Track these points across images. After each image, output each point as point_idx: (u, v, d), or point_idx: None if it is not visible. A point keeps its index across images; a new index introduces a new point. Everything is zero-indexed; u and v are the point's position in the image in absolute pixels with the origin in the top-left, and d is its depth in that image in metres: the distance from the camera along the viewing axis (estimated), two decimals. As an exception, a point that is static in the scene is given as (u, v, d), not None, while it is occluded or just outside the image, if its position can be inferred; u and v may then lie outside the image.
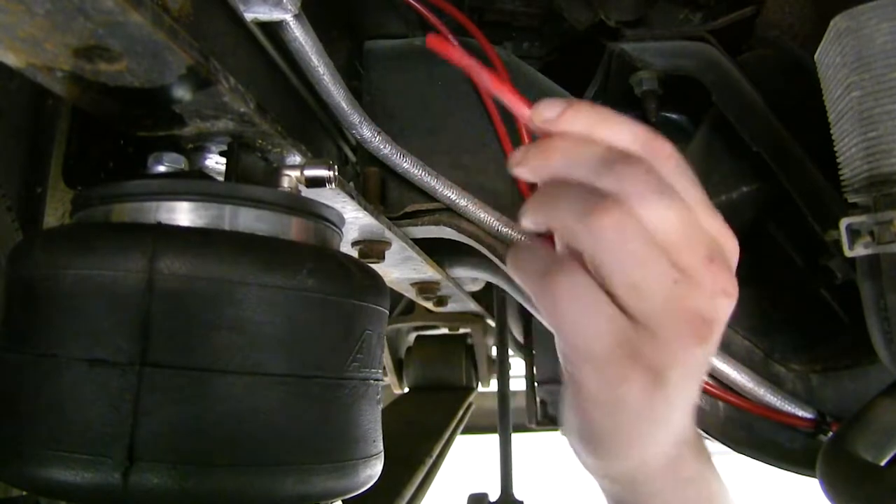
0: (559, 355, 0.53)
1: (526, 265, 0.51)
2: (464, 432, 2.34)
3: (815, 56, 0.82)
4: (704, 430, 1.06)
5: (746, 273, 1.09)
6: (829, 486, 0.78)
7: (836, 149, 0.79)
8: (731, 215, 1.04)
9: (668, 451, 0.54)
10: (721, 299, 0.51)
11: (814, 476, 0.85)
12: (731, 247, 0.54)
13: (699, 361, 0.51)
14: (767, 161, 0.99)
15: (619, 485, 0.58)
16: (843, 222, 0.75)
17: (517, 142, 1.04)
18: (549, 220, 0.50)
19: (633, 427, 0.51)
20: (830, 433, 1.02)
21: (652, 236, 0.47)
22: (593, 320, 0.46)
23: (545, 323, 0.49)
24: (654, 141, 0.50)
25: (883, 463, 0.83)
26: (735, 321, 1.10)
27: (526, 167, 0.53)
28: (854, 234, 0.74)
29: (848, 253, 0.75)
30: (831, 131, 0.80)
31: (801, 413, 1.03)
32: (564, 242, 0.51)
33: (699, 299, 0.49)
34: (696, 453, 0.58)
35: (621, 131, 0.50)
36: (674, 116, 1.14)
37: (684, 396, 0.52)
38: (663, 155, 0.50)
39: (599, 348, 0.47)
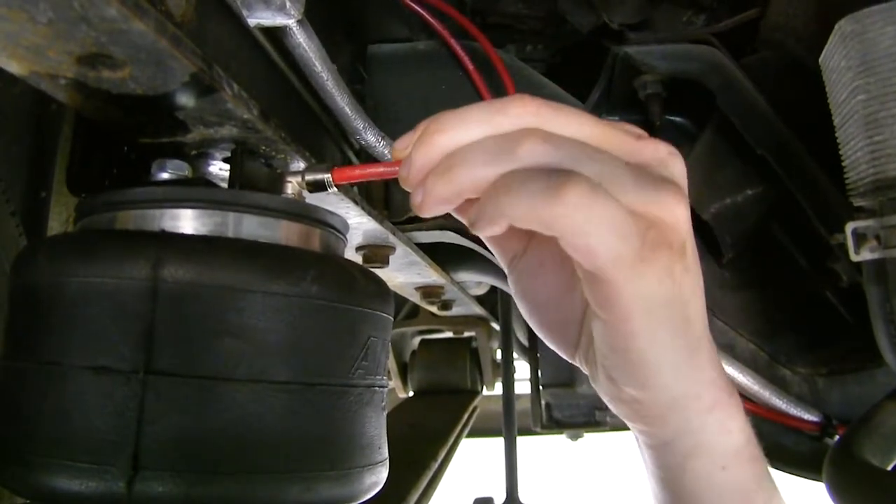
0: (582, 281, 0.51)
1: (523, 187, 0.46)
2: (469, 436, 2.34)
3: (820, 59, 0.81)
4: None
5: (751, 276, 1.10)
6: (836, 490, 0.78)
7: (841, 152, 0.79)
8: (735, 218, 1.04)
9: (713, 375, 0.53)
10: (670, 160, 0.50)
11: (820, 480, 0.85)
12: (644, 134, 0.51)
13: (689, 226, 0.50)
14: (772, 164, 0.99)
15: (669, 428, 0.54)
16: (849, 226, 0.74)
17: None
18: (512, 218, 0.47)
19: (677, 326, 0.49)
20: (836, 436, 1.02)
21: (598, 174, 0.45)
22: (619, 217, 0.44)
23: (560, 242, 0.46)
24: (505, 105, 0.49)
25: (889, 467, 0.82)
26: (740, 324, 1.09)
27: (434, 201, 0.49)
28: (860, 237, 0.74)
29: (854, 257, 0.74)
30: (836, 134, 0.80)
31: (806, 416, 1.03)
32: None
33: (660, 169, 0.49)
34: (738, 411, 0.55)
35: (483, 117, 0.49)
36: (678, 119, 1.13)
37: (698, 279, 0.51)
38: (529, 110, 0.48)
39: (632, 244, 0.45)
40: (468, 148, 0.48)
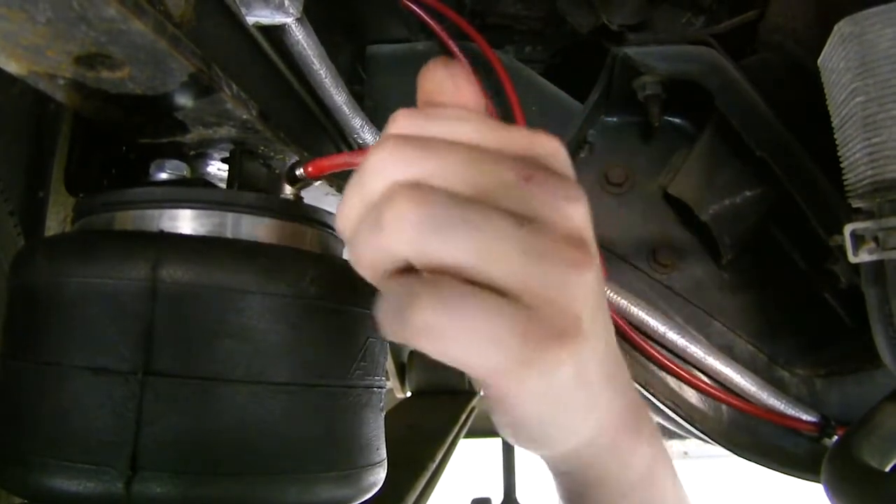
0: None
1: (382, 306, 0.40)
2: (467, 436, 2.34)
3: (819, 61, 0.81)
4: (708, 435, 1.05)
5: (750, 277, 1.10)
6: (835, 492, 0.78)
7: (839, 154, 0.79)
8: (734, 219, 1.04)
9: (611, 420, 0.50)
10: (564, 205, 0.40)
11: (818, 481, 0.85)
12: (546, 146, 0.43)
13: (593, 286, 0.42)
14: (771, 165, 0.98)
15: (568, 464, 0.54)
16: (848, 228, 0.74)
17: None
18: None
19: (572, 400, 0.45)
20: (835, 438, 1.02)
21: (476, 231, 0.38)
22: (485, 326, 0.37)
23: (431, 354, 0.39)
24: (366, 161, 0.42)
25: (888, 468, 0.82)
26: (739, 325, 1.09)
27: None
28: (858, 239, 0.74)
29: (852, 259, 0.74)
30: (835, 136, 0.79)
31: (805, 417, 1.03)
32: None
33: (552, 222, 0.40)
34: (638, 432, 0.54)
35: (353, 182, 0.42)
36: (677, 121, 1.13)
37: (600, 333, 0.45)
38: (388, 158, 0.41)
39: (508, 351, 0.38)
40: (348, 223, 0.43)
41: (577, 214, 0.41)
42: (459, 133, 0.42)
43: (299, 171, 0.63)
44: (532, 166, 0.41)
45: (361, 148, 0.93)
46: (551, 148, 0.43)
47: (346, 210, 0.43)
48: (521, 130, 0.43)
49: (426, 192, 0.39)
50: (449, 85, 0.46)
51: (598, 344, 0.45)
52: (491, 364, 0.38)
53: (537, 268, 0.39)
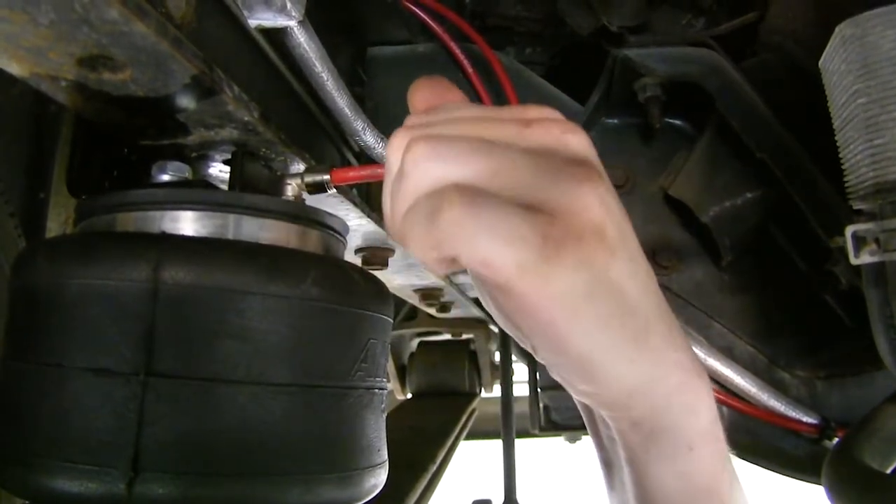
0: (493, 308, 0.50)
1: (412, 224, 0.44)
2: (467, 438, 2.34)
3: (820, 62, 0.81)
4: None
5: (751, 279, 1.10)
6: (835, 493, 0.78)
7: (841, 155, 0.79)
8: (734, 221, 1.04)
9: (673, 355, 0.49)
10: (563, 136, 0.46)
11: (819, 483, 0.85)
12: (536, 108, 0.48)
13: (609, 202, 0.45)
14: (771, 167, 0.99)
15: (634, 412, 0.51)
16: (849, 229, 0.74)
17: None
18: (420, 258, 0.45)
19: (612, 317, 0.45)
20: (835, 439, 1.02)
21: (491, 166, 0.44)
22: (507, 223, 0.41)
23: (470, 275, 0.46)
24: (390, 146, 0.49)
25: (889, 470, 0.82)
26: (739, 327, 1.09)
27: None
28: (860, 241, 0.74)
29: (854, 260, 0.74)
30: (836, 138, 0.80)
31: (805, 419, 1.03)
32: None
33: (555, 150, 0.46)
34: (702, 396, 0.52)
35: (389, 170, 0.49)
36: (677, 122, 1.14)
37: (636, 255, 0.47)
38: (407, 126, 0.49)
39: (531, 247, 0.41)
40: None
41: (576, 141, 0.46)
42: (462, 112, 0.49)
43: (325, 178, 0.63)
44: (528, 120, 0.47)
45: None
46: (543, 109, 0.48)
47: (384, 205, 0.50)
48: (512, 105, 0.47)
49: (437, 136, 0.45)
50: (438, 89, 0.53)
51: (636, 267, 0.47)
52: (515, 259, 0.41)
53: (548, 181, 0.43)
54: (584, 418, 0.60)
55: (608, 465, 0.60)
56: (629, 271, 0.46)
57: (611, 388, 0.49)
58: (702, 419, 0.52)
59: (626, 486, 0.57)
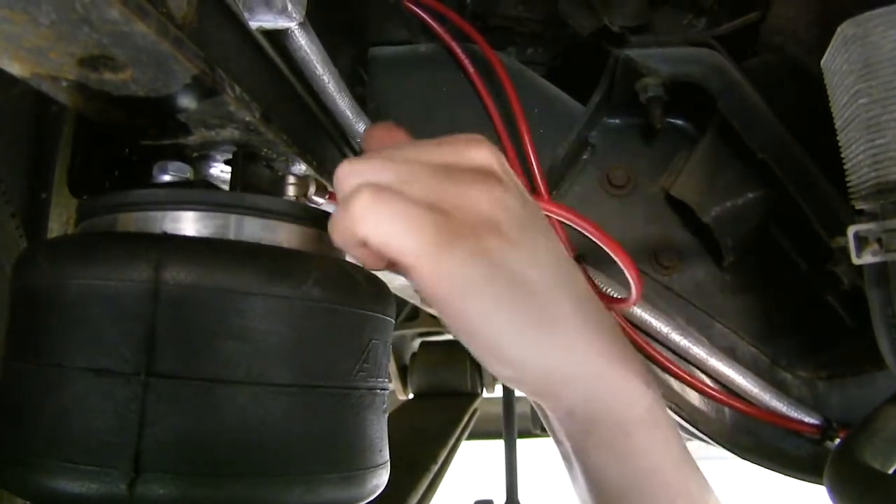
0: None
1: (333, 217, 0.52)
2: (469, 438, 2.34)
3: (822, 62, 0.81)
4: (710, 437, 1.05)
5: (752, 279, 1.09)
6: (837, 494, 0.78)
7: (842, 155, 0.79)
8: (736, 221, 1.04)
9: (588, 341, 0.54)
10: (466, 149, 0.54)
11: (820, 483, 0.85)
12: (459, 137, 0.56)
13: (509, 200, 0.53)
14: (773, 167, 0.98)
15: (565, 400, 0.56)
16: (851, 230, 0.74)
17: (519, 146, 1.04)
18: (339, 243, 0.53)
19: (514, 304, 0.51)
20: (837, 440, 1.02)
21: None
22: (407, 212, 0.48)
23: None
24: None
25: (891, 470, 0.82)
26: (741, 327, 1.09)
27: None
28: (861, 241, 0.74)
29: (856, 261, 0.74)
30: (838, 138, 0.79)
31: (807, 419, 1.03)
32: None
33: (457, 163, 0.53)
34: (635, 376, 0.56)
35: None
36: (679, 122, 1.13)
37: (538, 249, 0.53)
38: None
39: (428, 234, 0.48)
40: None
41: (477, 154, 0.54)
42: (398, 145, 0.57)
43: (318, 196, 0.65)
44: (441, 142, 0.54)
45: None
46: (469, 135, 0.55)
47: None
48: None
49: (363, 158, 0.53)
50: (386, 133, 0.61)
51: (538, 257, 0.53)
52: (413, 243, 0.48)
53: (448, 185, 0.50)
54: (539, 415, 0.63)
55: (566, 458, 0.62)
56: (530, 261, 0.52)
57: (524, 371, 0.54)
58: (636, 407, 0.56)
59: (577, 476, 0.60)
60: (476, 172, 0.52)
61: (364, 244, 0.49)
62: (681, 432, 1.19)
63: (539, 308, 0.52)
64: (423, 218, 0.48)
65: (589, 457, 0.58)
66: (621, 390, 0.55)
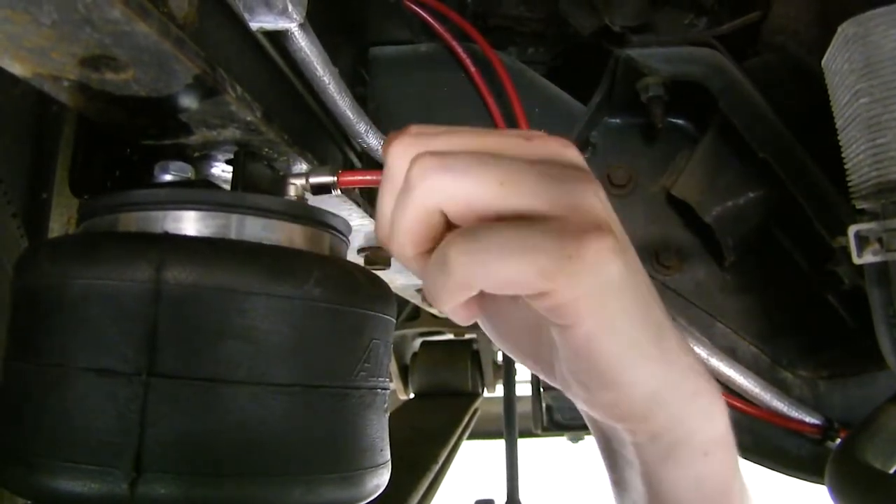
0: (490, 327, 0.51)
1: (428, 274, 0.46)
2: (470, 438, 2.34)
3: (823, 62, 0.81)
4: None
5: (753, 279, 1.10)
6: (838, 494, 0.78)
7: (843, 155, 0.79)
8: (737, 220, 1.04)
9: (687, 360, 0.49)
10: (562, 149, 0.49)
11: (821, 483, 0.85)
12: (537, 132, 0.50)
13: (609, 207, 0.47)
14: (774, 167, 0.99)
15: (654, 422, 0.50)
16: (852, 229, 0.74)
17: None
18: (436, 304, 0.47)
19: (639, 320, 0.46)
20: (838, 440, 1.02)
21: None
22: (517, 239, 0.42)
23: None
24: (386, 154, 0.49)
25: (892, 470, 0.82)
26: (742, 327, 1.09)
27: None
28: (862, 241, 0.74)
29: (856, 260, 0.74)
30: (839, 137, 0.79)
31: (808, 419, 1.03)
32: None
33: (554, 161, 0.47)
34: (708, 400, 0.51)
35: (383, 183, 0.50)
36: (680, 122, 1.13)
37: (636, 262, 0.47)
38: (407, 143, 0.48)
39: (548, 251, 0.42)
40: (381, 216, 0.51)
41: (573, 153, 0.49)
42: (464, 130, 0.49)
43: (331, 180, 0.63)
44: (529, 135, 0.48)
45: (367, 151, 0.93)
46: (536, 131, 0.50)
47: (380, 209, 0.50)
48: (509, 129, 0.49)
49: (442, 151, 0.45)
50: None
51: (639, 266, 0.47)
52: (537, 267, 0.41)
53: (554, 185, 0.44)
54: (598, 445, 0.59)
55: (622, 483, 0.58)
56: (638, 266, 0.47)
57: (632, 394, 0.48)
58: (718, 424, 0.52)
59: (639, 496, 0.55)
60: (579, 172, 0.47)
61: (479, 301, 0.45)
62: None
63: (654, 319, 0.47)
64: (536, 236, 0.42)
65: (664, 481, 0.52)
66: (709, 408, 0.51)
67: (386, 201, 0.49)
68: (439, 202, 0.44)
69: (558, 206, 0.44)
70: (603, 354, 0.46)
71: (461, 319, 0.50)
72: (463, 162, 0.44)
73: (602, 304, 0.44)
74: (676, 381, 0.48)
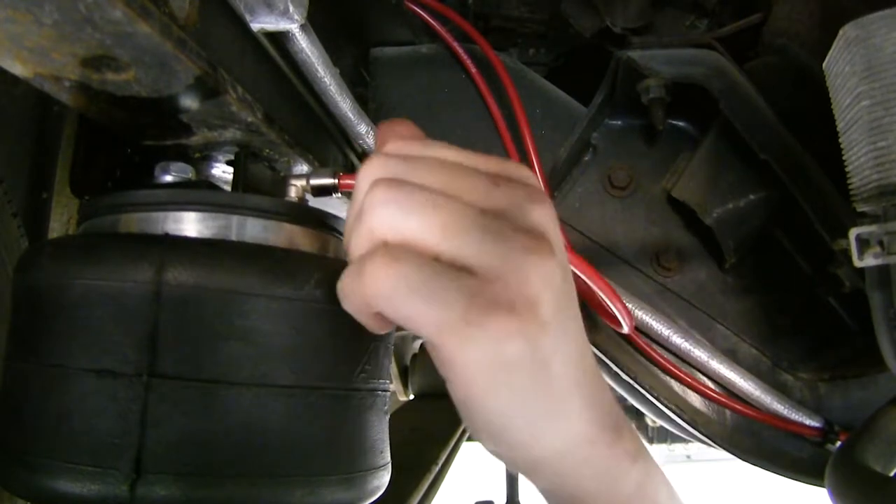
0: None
1: (346, 276, 0.46)
2: (470, 439, 2.34)
3: (824, 65, 0.81)
4: (711, 439, 1.05)
5: (754, 281, 1.09)
6: (839, 496, 0.78)
7: (844, 158, 0.79)
8: (738, 222, 1.04)
9: (582, 430, 0.49)
10: (527, 205, 0.46)
11: (822, 486, 0.85)
12: (516, 166, 0.49)
13: (555, 281, 0.45)
14: (775, 169, 0.98)
15: (546, 479, 0.52)
16: (853, 232, 0.74)
17: (521, 148, 1.04)
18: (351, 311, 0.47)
19: (531, 392, 0.45)
20: (838, 442, 1.02)
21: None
22: (430, 283, 0.41)
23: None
24: (359, 175, 0.48)
25: (892, 473, 0.82)
26: (742, 329, 1.09)
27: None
28: (863, 243, 0.74)
29: (857, 263, 0.74)
30: (840, 140, 0.79)
31: (808, 422, 1.03)
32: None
33: (513, 217, 0.45)
34: (620, 442, 0.51)
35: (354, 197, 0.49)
36: (681, 124, 1.13)
37: (570, 333, 0.47)
38: (377, 165, 0.47)
39: (453, 309, 0.41)
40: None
41: (538, 213, 0.46)
42: (441, 153, 0.48)
43: (332, 182, 0.63)
44: (501, 178, 0.46)
45: (367, 152, 0.93)
46: (521, 169, 0.48)
47: (346, 220, 0.49)
48: (494, 157, 0.48)
49: (401, 182, 0.44)
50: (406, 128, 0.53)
51: (565, 343, 0.46)
52: (436, 318, 0.41)
53: (493, 245, 0.43)
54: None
55: None
56: (556, 347, 0.45)
57: (521, 453, 0.49)
58: (623, 486, 0.52)
59: None
60: (530, 235, 0.45)
61: (383, 317, 0.45)
62: (683, 436, 1.19)
63: (553, 398, 0.46)
64: (452, 288, 0.42)
65: None
66: (608, 472, 0.51)
67: (350, 215, 0.48)
68: (383, 233, 0.44)
69: (490, 269, 0.43)
70: (488, 416, 0.46)
71: (371, 328, 0.49)
72: (415, 201, 0.44)
73: (489, 376, 0.44)
74: (573, 446, 0.49)
